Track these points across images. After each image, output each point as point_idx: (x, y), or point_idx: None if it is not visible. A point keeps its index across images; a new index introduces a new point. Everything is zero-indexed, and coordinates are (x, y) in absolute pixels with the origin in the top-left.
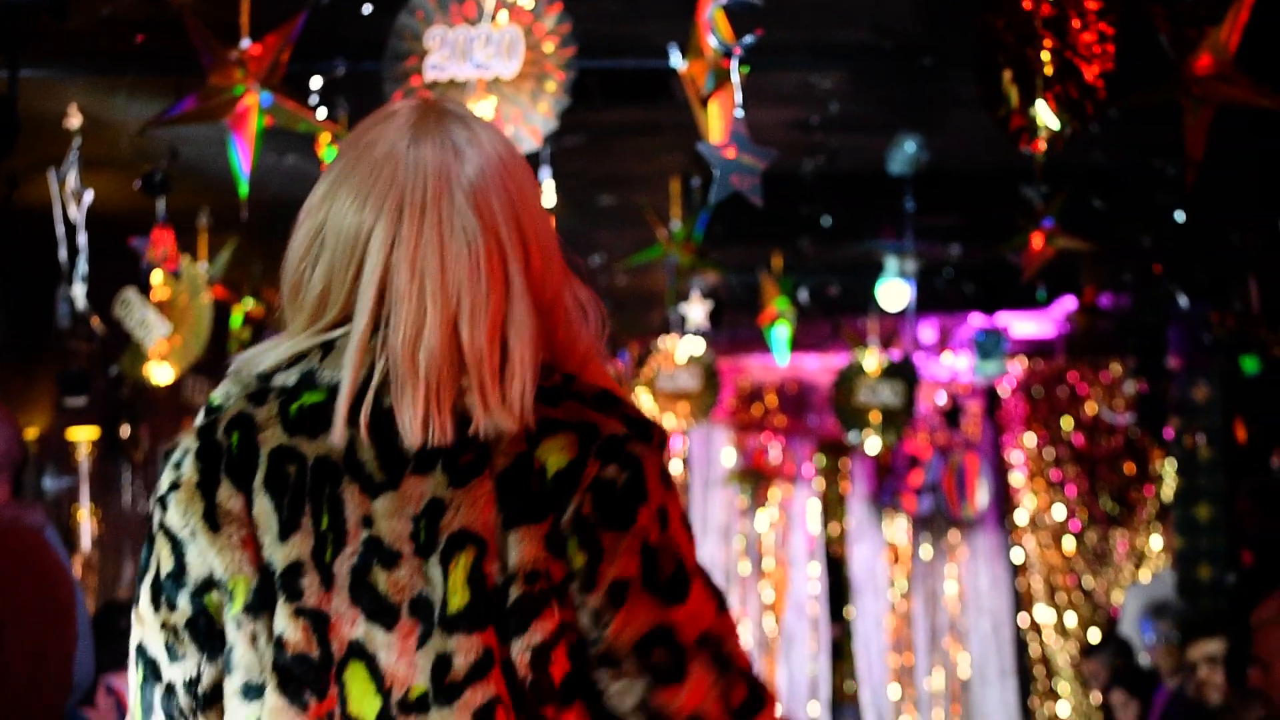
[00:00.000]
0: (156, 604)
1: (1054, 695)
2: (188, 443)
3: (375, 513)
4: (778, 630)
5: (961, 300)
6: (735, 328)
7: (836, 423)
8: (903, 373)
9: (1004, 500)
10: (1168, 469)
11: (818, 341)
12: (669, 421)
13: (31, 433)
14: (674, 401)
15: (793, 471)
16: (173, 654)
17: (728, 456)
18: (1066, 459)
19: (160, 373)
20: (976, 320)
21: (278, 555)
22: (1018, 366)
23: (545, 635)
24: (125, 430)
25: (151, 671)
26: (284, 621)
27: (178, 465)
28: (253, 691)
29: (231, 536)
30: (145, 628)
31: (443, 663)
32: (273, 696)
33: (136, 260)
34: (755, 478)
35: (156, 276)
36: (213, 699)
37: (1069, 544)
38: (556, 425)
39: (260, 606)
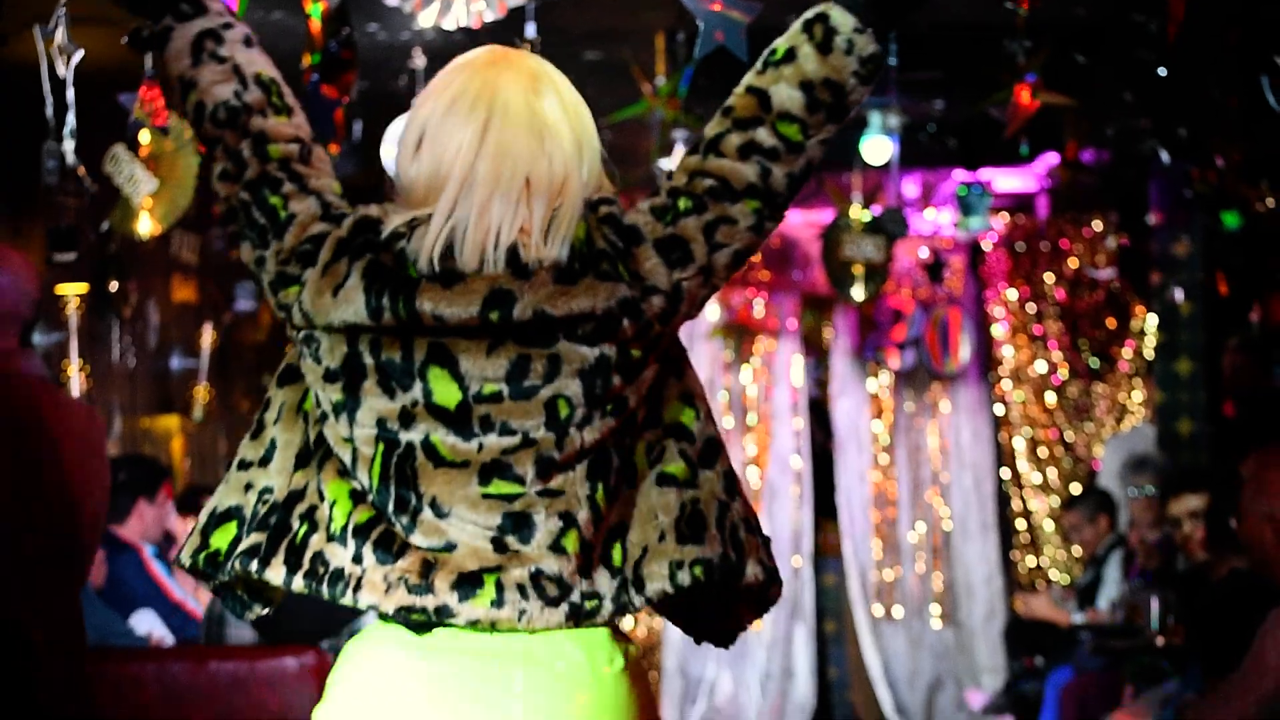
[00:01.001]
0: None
1: (1035, 548)
2: (344, 228)
3: (441, 307)
4: (761, 483)
5: (944, 156)
6: None
7: (821, 277)
8: (884, 227)
9: (986, 354)
10: (1149, 323)
11: (801, 197)
12: None
13: None
14: None
15: (776, 326)
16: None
17: (712, 311)
18: (1048, 313)
19: (147, 228)
20: (959, 176)
21: (363, 321)
22: (1000, 222)
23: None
24: (114, 285)
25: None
26: (366, 356)
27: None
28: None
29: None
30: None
31: (520, 363)
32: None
33: (125, 117)
34: (739, 332)
35: (144, 133)
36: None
37: (1051, 398)
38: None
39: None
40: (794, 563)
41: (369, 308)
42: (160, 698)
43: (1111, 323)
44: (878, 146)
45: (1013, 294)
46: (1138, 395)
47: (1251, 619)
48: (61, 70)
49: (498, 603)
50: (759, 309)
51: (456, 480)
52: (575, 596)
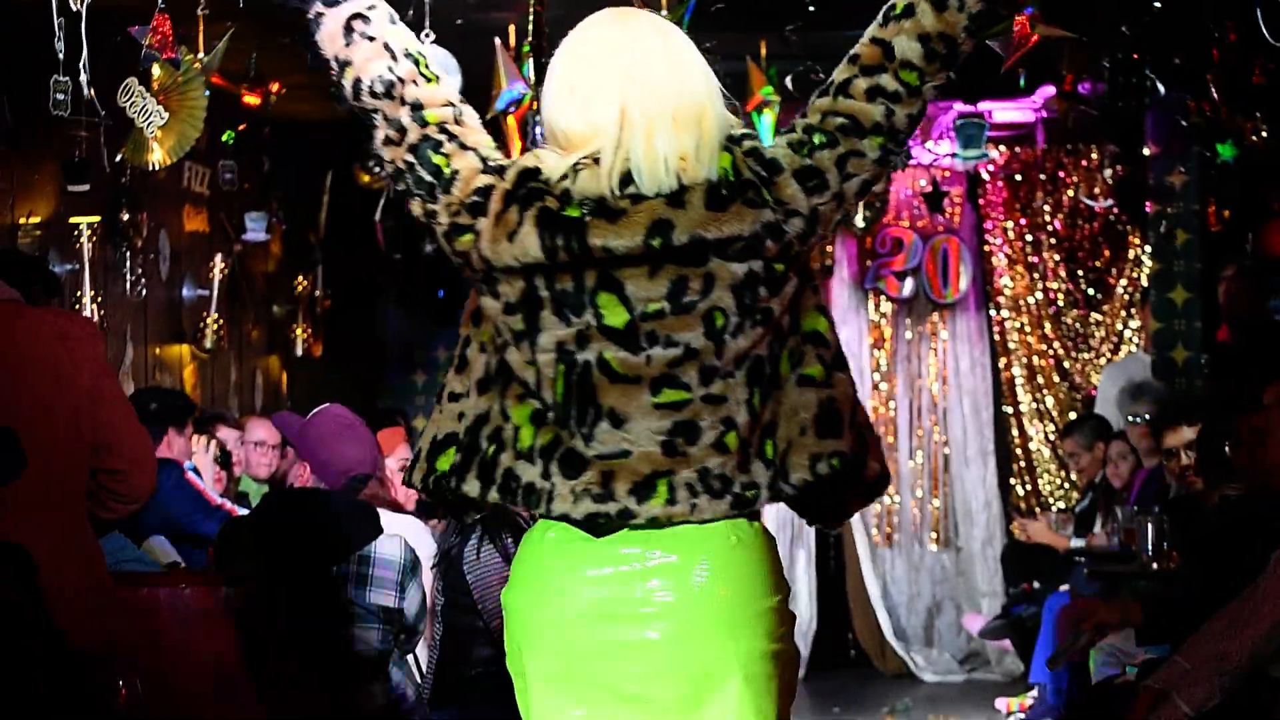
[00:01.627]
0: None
1: (1032, 475)
2: (508, 179)
3: (608, 240)
4: None
5: (944, 88)
6: None
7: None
8: None
9: (985, 284)
10: (1145, 253)
11: None
12: None
13: (35, 219)
14: None
15: None
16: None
17: None
18: (1046, 243)
19: (159, 159)
20: (959, 107)
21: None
22: (998, 153)
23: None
24: (126, 216)
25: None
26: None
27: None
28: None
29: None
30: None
31: (679, 283)
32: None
33: (138, 50)
34: None
35: (155, 67)
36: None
37: (1048, 327)
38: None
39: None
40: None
41: (544, 248)
42: (173, 621)
43: (1108, 252)
44: None
45: (1011, 224)
46: (1134, 324)
47: (1248, 545)
48: (75, 3)
49: (670, 501)
50: None
51: (630, 392)
52: (736, 488)
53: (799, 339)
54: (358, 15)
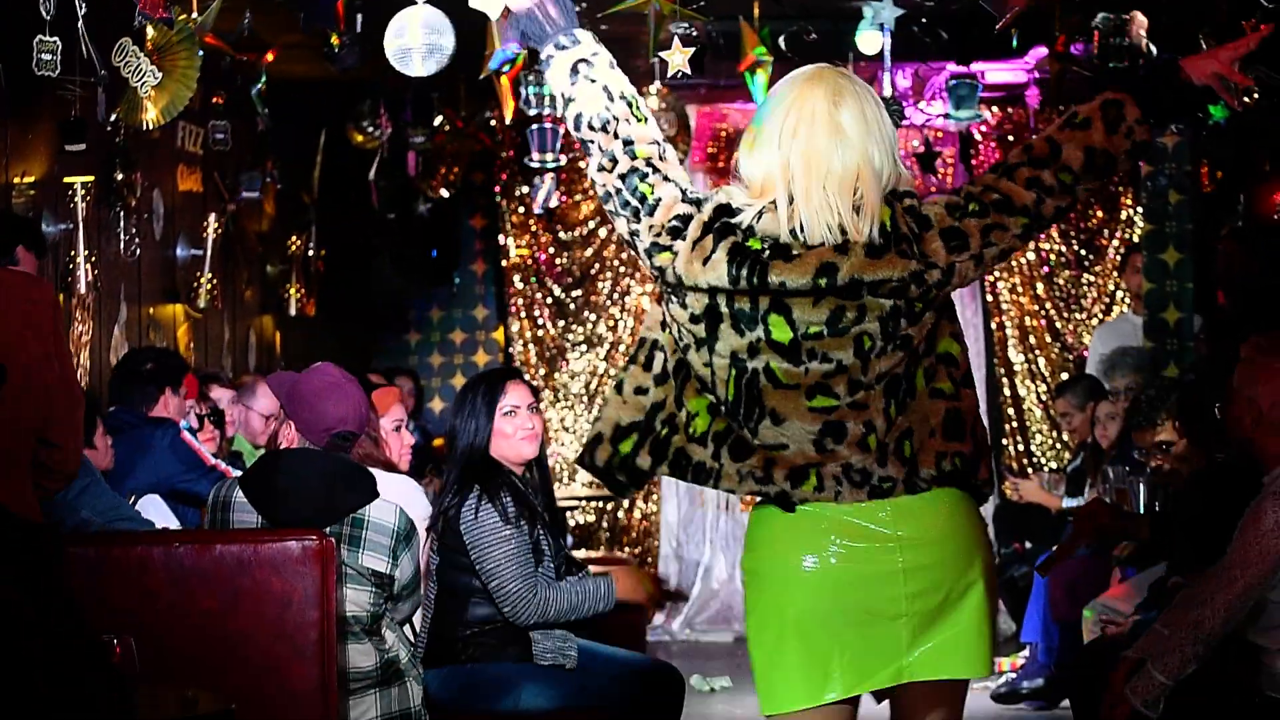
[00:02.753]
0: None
1: (1024, 434)
2: (705, 213)
3: (785, 278)
4: None
5: (937, 49)
6: (715, 75)
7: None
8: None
9: None
10: (1137, 214)
11: None
12: None
13: (29, 179)
14: None
15: None
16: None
17: None
18: None
19: (153, 119)
20: (951, 68)
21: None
22: (991, 114)
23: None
24: (120, 176)
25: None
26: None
27: (691, 217)
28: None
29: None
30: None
31: (837, 312)
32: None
33: (132, 10)
34: None
35: (149, 26)
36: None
37: (1040, 287)
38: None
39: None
40: None
41: (729, 276)
42: (168, 580)
43: (1100, 213)
44: (871, 39)
45: None
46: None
47: (1230, 507)
48: None
49: (819, 488)
50: None
51: (790, 397)
52: (874, 480)
53: (933, 359)
54: (583, 60)
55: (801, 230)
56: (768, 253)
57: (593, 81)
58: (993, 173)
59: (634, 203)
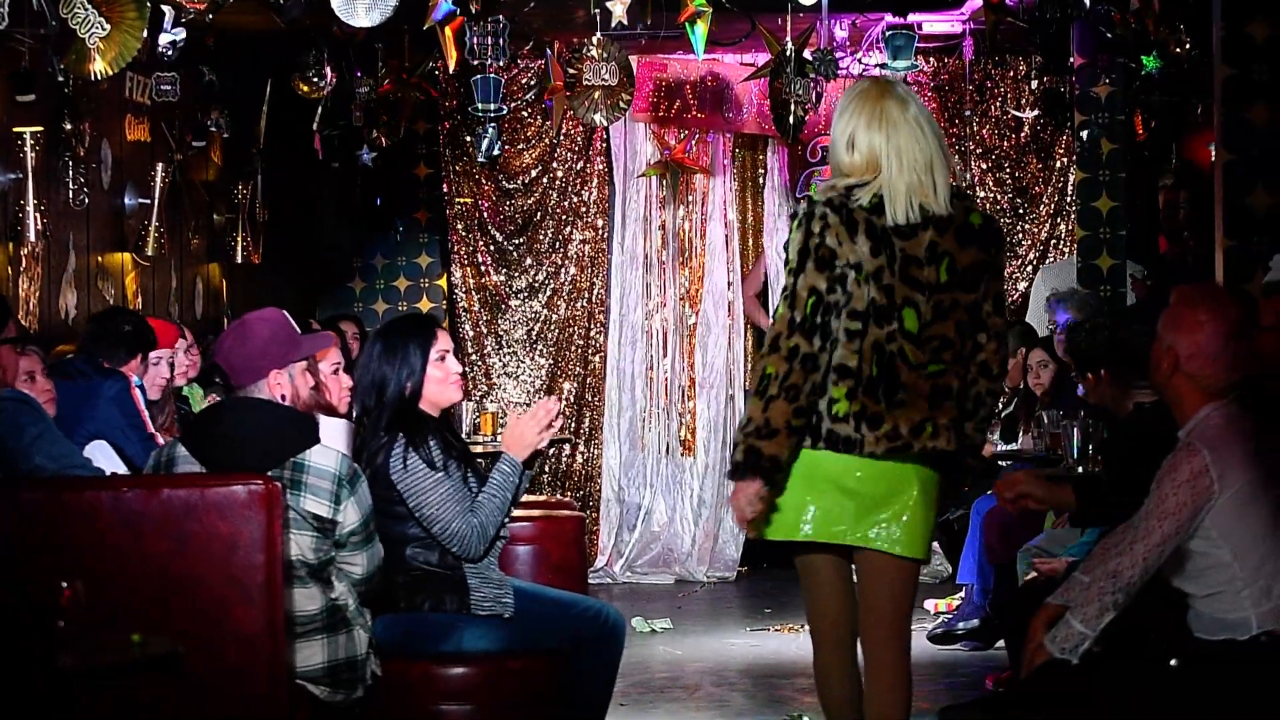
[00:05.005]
0: (818, 267)
1: None
2: (821, 207)
3: (906, 247)
4: (696, 318)
5: (874, 0)
6: (656, 25)
7: (751, 118)
8: (815, 69)
9: None
10: (1070, 163)
11: (733, 39)
12: (596, 119)
13: None
14: (594, 96)
15: (710, 164)
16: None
17: (649, 150)
18: (974, 153)
19: (100, 69)
20: (888, 19)
21: (869, 264)
22: (927, 64)
23: (984, 290)
24: (68, 125)
25: (814, 290)
26: (874, 291)
27: (824, 215)
28: (856, 315)
29: (844, 249)
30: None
31: (938, 306)
32: (871, 321)
33: None
34: (674, 170)
35: None
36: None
37: None
38: (968, 209)
39: (864, 282)
40: (728, 393)
41: (870, 250)
42: (116, 524)
43: (1034, 163)
44: None
45: None
46: (1061, 230)
47: (1153, 455)
48: None
49: (934, 435)
50: (693, 147)
51: (915, 374)
52: (958, 433)
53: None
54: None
55: (894, 211)
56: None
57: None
58: (990, 328)
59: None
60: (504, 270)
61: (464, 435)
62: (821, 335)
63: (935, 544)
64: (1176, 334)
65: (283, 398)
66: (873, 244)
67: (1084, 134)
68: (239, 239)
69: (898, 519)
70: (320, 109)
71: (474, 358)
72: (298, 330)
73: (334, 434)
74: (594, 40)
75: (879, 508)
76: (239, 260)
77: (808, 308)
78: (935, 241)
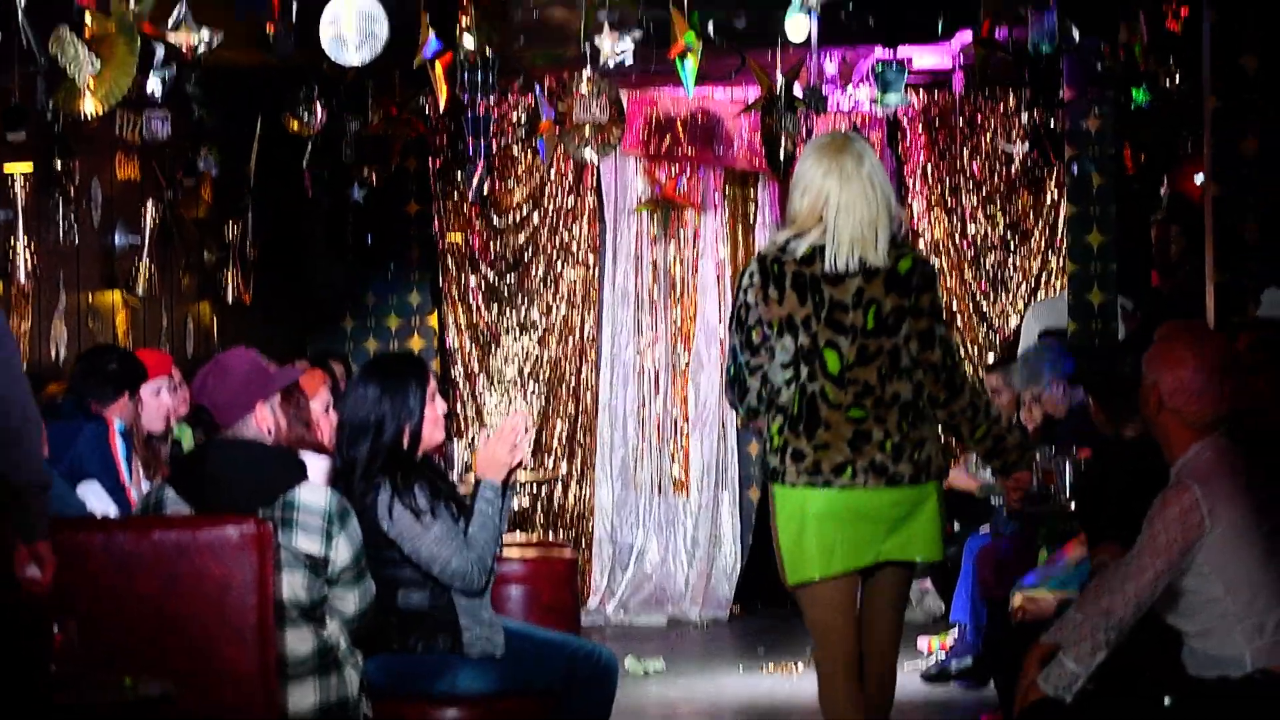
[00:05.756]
0: (736, 333)
1: None
2: (754, 266)
3: (834, 293)
4: (688, 355)
5: (864, 33)
6: (646, 61)
7: (742, 153)
8: (805, 104)
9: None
10: (1061, 197)
11: (723, 74)
12: (587, 155)
13: None
14: (584, 132)
15: (700, 200)
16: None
17: (640, 186)
18: (964, 188)
19: (91, 107)
20: (877, 53)
21: (799, 313)
22: (917, 99)
23: (907, 333)
24: (59, 164)
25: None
26: (802, 337)
27: (751, 275)
28: (787, 363)
29: (771, 305)
30: (732, 339)
31: (862, 350)
32: (800, 366)
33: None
34: (665, 207)
35: (87, 15)
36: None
37: (967, 270)
38: (902, 255)
39: (785, 332)
40: (720, 431)
41: (798, 301)
42: (109, 566)
43: (1026, 197)
44: (799, 24)
45: (929, 168)
46: (1052, 265)
47: (1139, 490)
48: None
49: (853, 477)
50: (684, 184)
51: (836, 413)
52: (890, 472)
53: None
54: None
55: (833, 260)
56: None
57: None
58: (944, 368)
59: (747, 353)
60: (495, 308)
61: (456, 477)
62: (739, 387)
63: (928, 580)
64: (1159, 371)
65: (269, 431)
66: (799, 294)
67: (1074, 168)
68: (229, 277)
69: (916, 525)
70: (310, 146)
71: (465, 396)
72: (268, 363)
73: (317, 472)
74: (584, 75)
75: (898, 523)
76: (230, 299)
77: (730, 361)
78: (862, 288)
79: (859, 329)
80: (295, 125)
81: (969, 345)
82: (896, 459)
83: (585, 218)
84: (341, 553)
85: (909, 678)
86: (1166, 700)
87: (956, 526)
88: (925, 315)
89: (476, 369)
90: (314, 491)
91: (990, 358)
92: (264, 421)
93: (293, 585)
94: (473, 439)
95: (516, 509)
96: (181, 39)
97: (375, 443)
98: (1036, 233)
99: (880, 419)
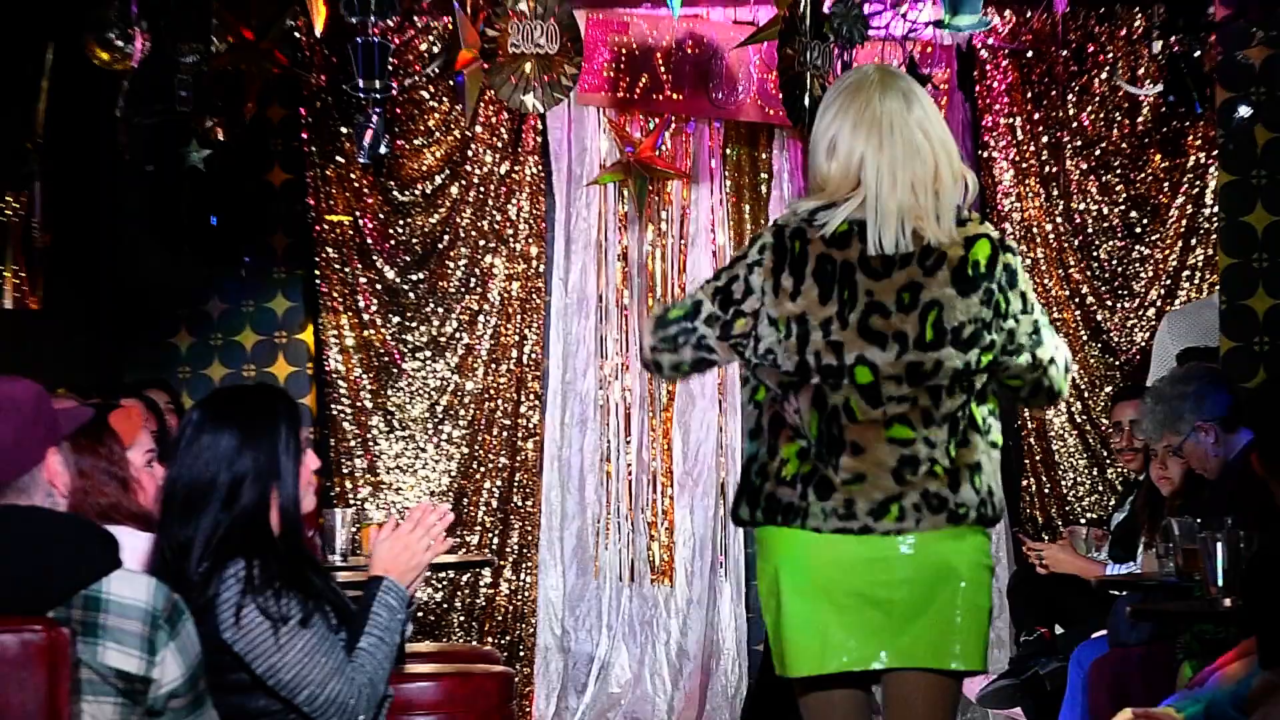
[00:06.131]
0: (714, 301)
1: (1051, 474)
2: (768, 238)
3: (875, 289)
4: (672, 387)
5: None
6: None
7: (750, 101)
8: (838, 28)
9: (982, 205)
10: (1211, 160)
11: None
12: (528, 102)
13: None
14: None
15: (691, 165)
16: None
17: (603, 146)
18: (1069, 149)
19: None
20: None
21: (817, 314)
22: (1001, 20)
23: (979, 351)
24: None
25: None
26: (819, 346)
27: (762, 248)
28: (791, 380)
29: (782, 299)
30: (706, 302)
31: (914, 367)
32: (811, 389)
33: None
34: (640, 175)
35: None
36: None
37: (1073, 264)
38: (976, 237)
39: (793, 335)
40: (717, 494)
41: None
42: None
43: (1158, 159)
44: None
45: (1019, 121)
46: (1195, 258)
47: None
48: None
49: (900, 518)
50: (668, 143)
51: (869, 430)
52: (951, 505)
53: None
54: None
55: (878, 235)
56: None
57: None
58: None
59: (716, 331)
60: (396, 318)
61: (340, 556)
62: (669, 354)
63: (1018, 710)
64: None
65: (63, 494)
66: (823, 288)
67: (1230, 118)
68: (7, 274)
69: (942, 620)
70: (127, 87)
71: (353, 444)
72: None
73: (135, 554)
74: None
75: (915, 609)
76: (8, 304)
77: (680, 320)
78: (919, 283)
79: (909, 340)
80: (104, 56)
81: (1076, 375)
82: (955, 489)
83: (526, 191)
84: (170, 670)
85: None
86: None
87: (1059, 630)
88: (1013, 317)
89: (369, 405)
90: (129, 583)
91: (1106, 390)
92: (56, 479)
93: (96, 717)
94: (362, 505)
95: (426, 604)
96: None
97: (224, 514)
98: (1174, 211)
99: (929, 441)
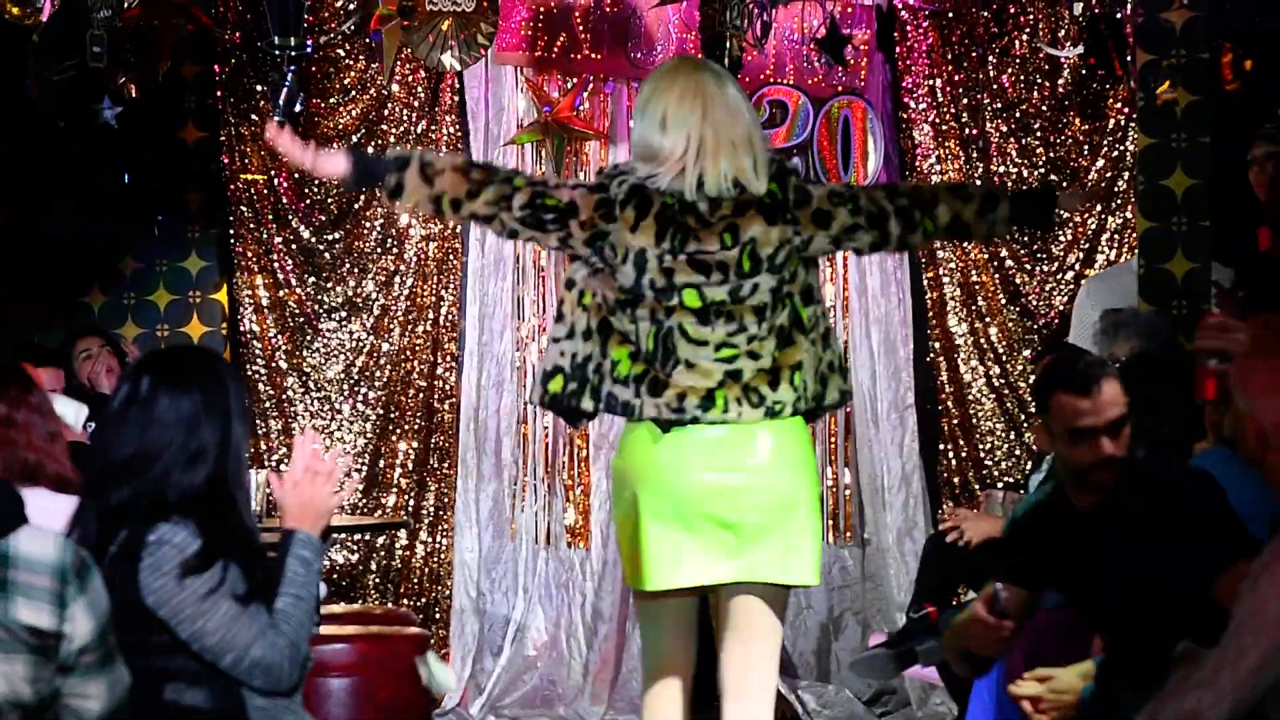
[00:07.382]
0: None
1: (969, 437)
2: (625, 176)
3: (702, 233)
4: None
5: None
6: None
7: (669, 56)
8: None
9: (903, 166)
10: (1130, 123)
11: None
12: (445, 61)
13: None
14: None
15: (610, 125)
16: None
17: (521, 106)
18: (989, 109)
19: None
20: None
21: (653, 249)
22: None
23: (792, 267)
24: None
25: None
26: (653, 273)
27: (620, 182)
28: (627, 300)
29: (623, 227)
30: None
31: (735, 290)
32: (648, 307)
33: None
34: (558, 135)
35: None
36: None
37: None
38: (774, 175)
39: (629, 263)
40: None
41: (655, 237)
42: None
43: (1078, 122)
44: None
45: (939, 81)
46: (1114, 221)
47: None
48: None
49: (725, 409)
50: (587, 102)
51: (701, 349)
52: (769, 402)
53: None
54: (424, 163)
55: (702, 187)
56: (677, 208)
57: (442, 171)
58: (883, 191)
59: (548, 217)
60: (311, 279)
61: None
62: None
63: (932, 671)
64: (1256, 397)
65: None
66: (659, 228)
67: (1149, 80)
68: None
69: (784, 538)
70: (37, 41)
71: (268, 406)
72: None
73: (50, 515)
74: None
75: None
76: None
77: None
78: (737, 224)
79: (729, 270)
80: (14, 9)
81: (994, 338)
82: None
83: (443, 150)
84: (81, 625)
85: None
86: None
87: (972, 594)
88: (834, 204)
89: (284, 366)
90: (36, 539)
91: (1024, 354)
92: None
93: (10, 676)
94: (277, 464)
95: (341, 565)
96: None
97: (166, 479)
98: (1094, 174)
99: (754, 356)
